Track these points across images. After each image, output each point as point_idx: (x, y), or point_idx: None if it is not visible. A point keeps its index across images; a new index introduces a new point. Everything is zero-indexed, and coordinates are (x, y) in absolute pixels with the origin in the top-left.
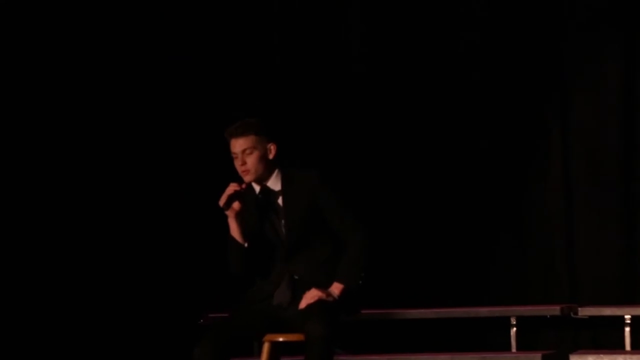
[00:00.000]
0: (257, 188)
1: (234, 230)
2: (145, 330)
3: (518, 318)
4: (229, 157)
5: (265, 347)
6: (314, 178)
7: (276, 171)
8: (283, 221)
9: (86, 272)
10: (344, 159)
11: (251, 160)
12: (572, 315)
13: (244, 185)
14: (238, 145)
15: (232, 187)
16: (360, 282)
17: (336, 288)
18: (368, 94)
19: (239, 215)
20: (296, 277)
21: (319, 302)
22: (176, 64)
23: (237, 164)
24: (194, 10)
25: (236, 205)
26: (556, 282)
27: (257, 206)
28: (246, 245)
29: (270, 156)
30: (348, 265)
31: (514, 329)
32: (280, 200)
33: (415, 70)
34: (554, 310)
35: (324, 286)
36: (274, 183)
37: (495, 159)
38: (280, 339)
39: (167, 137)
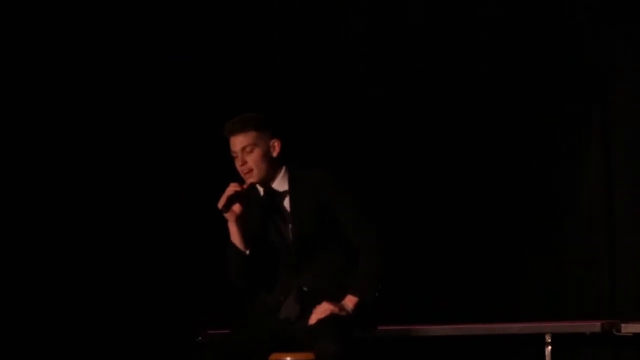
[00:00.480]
0: (261, 190)
1: (235, 236)
2: (137, 348)
3: (553, 335)
4: (229, 159)
5: None
6: (325, 177)
7: (282, 171)
8: (290, 225)
9: (74, 283)
10: (353, 160)
11: (252, 159)
12: (614, 332)
13: (245, 186)
14: (237, 142)
15: (232, 188)
16: (377, 294)
17: (350, 301)
18: (368, 94)
19: (240, 219)
20: (305, 289)
21: (331, 317)
22: (176, 64)
23: (238, 164)
24: (194, 10)
25: (237, 207)
26: (596, 295)
27: (260, 209)
28: (248, 252)
29: (274, 154)
30: (363, 276)
31: (549, 347)
32: (286, 203)
33: (428, 68)
34: (594, 326)
35: (336, 299)
36: (280, 184)
37: (528, 163)
38: (288, 359)
39: (164, 139)
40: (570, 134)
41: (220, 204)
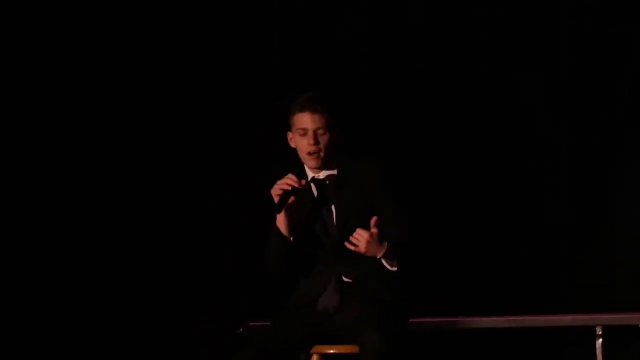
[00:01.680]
0: (309, 176)
1: (281, 222)
2: (178, 341)
3: (605, 328)
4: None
5: None
6: (377, 174)
7: (334, 161)
8: (335, 217)
9: (111, 276)
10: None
11: (324, 142)
12: None
13: (303, 182)
14: (313, 121)
15: (290, 181)
16: (401, 261)
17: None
18: (368, 94)
19: (289, 208)
20: (345, 279)
21: (373, 310)
22: (176, 64)
23: (306, 142)
24: (194, 10)
25: (291, 200)
26: None
27: (307, 197)
28: (292, 239)
29: (339, 142)
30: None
31: (600, 340)
32: (333, 193)
33: (428, 68)
34: None
35: (376, 293)
36: (329, 173)
37: (581, 153)
38: (332, 352)
39: (180, 136)
40: (627, 124)
41: (275, 195)
